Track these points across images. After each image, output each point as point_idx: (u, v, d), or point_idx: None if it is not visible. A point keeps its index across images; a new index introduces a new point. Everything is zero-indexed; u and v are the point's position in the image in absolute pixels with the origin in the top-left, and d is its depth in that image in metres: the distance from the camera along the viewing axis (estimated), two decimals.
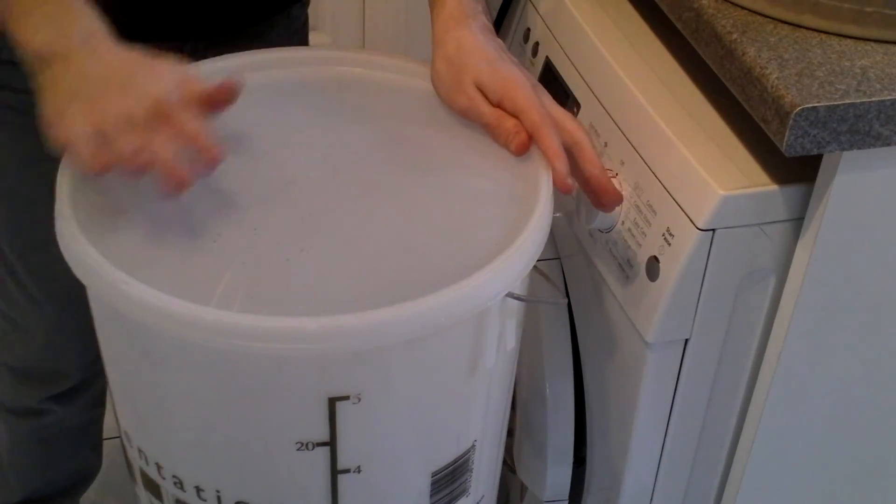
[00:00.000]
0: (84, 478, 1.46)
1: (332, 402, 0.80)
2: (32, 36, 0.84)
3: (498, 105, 0.92)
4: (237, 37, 1.10)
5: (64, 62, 0.84)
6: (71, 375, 1.28)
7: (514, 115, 0.92)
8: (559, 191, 0.90)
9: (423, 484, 0.89)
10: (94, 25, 0.86)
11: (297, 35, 1.23)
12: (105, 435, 1.43)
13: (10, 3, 0.85)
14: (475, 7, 0.97)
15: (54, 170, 0.87)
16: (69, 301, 1.16)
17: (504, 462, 1.06)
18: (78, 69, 0.84)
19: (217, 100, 0.87)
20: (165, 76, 0.85)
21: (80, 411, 1.34)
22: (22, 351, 1.25)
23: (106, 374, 0.94)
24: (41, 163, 0.89)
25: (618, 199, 0.97)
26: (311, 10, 1.23)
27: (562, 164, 0.90)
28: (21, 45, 0.85)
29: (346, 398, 0.80)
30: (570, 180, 0.90)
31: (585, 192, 0.95)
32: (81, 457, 1.43)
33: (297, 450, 0.82)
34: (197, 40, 1.10)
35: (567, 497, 1.18)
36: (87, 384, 1.31)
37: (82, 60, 0.84)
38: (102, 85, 0.83)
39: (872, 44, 0.90)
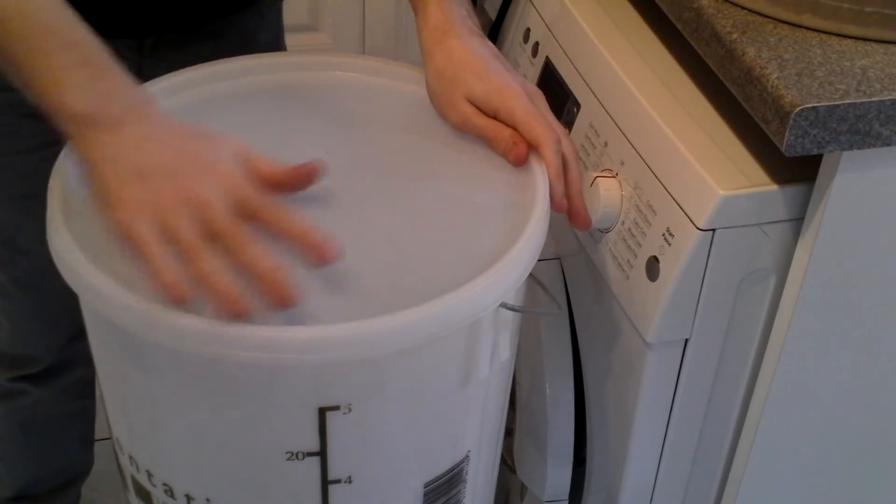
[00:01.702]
0: (76, 475, 1.46)
1: (323, 413, 0.79)
2: (71, 98, 0.77)
3: (493, 116, 0.91)
4: (201, 32, 1.07)
5: (112, 131, 0.77)
6: (41, 359, 1.27)
7: (512, 126, 0.91)
8: (551, 208, 0.90)
9: (417, 495, 0.89)
10: (138, 92, 0.81)
11: (268, 31, 1.18)
12: (102, 435, 1.43)
13: (31, 59, 0.77)
14: (459, 13, 0.94)
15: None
16: (33, 288, 1.16)
17: (504, 462, 1.06)
18: (133, 142, 0.77)
19: (291, 184, 0.82)
20: (228, 153, 0.79)
21: (58, 396, 1.33)
22: None
23: (87, 365, 0.93)
24: None
25: (587, 224, 0.96)
26: (311, 11, 1.21)
27: (560, 184, 0.90)
28: (52, 104, 0.77)
29: (337, 408, 0.79)
30: (565, 200, 0.90)
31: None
32: (70, 451, 1.43)
33: (288, 460, 0.81)
34: (157, 35, 1.05)
35: (567, 497, 1.18)
36: (61, 368, 1.29)
37: (135, 132, 0.78)
38: (165, 168, 0.77)
39: (872, 44, 0.90)
